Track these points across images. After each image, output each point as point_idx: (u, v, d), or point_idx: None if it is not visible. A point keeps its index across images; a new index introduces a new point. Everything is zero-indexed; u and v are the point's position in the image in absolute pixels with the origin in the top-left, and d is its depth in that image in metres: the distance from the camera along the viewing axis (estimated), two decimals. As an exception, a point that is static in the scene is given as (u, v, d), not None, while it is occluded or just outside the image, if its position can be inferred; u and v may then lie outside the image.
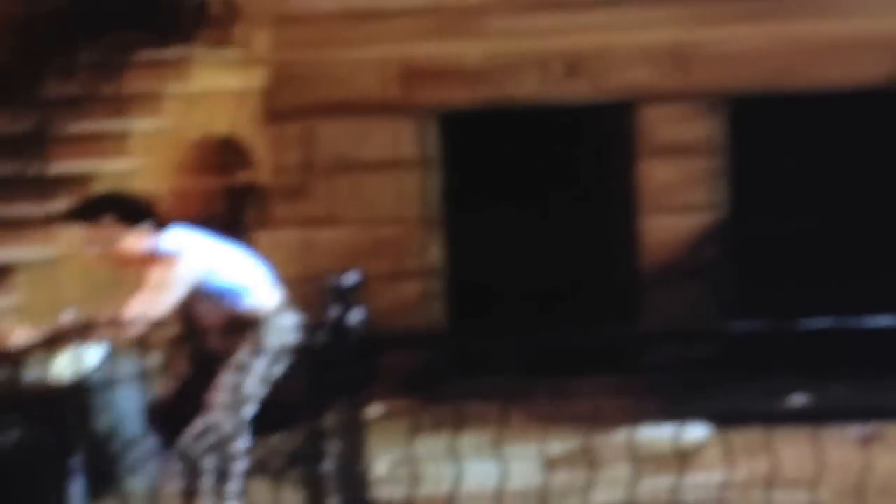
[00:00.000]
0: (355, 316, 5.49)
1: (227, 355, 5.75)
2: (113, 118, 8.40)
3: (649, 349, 9.18)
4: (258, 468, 6.26)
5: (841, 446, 5.70)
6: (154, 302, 5.54)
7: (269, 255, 10.10)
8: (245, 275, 6.08)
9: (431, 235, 10.04)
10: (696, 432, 7.39)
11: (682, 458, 6.76)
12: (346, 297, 5.46)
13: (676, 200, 9.82)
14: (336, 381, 4.91)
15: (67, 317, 5.57)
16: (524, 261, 9.99)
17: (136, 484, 7.00)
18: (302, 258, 9.97)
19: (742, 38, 9.58)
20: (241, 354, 5.74)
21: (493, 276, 9.97)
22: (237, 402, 5.63)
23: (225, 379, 5.70)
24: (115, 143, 8.17)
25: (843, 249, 9.73)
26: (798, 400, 8.48)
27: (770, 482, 5.53)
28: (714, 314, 9.65)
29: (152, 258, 5.70)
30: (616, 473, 6.17)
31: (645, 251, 9.88)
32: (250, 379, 5.61)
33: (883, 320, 5.84)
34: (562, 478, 6.32)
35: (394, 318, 9.87)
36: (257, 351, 5.69)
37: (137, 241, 5.78)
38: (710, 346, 8.65)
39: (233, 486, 5.57)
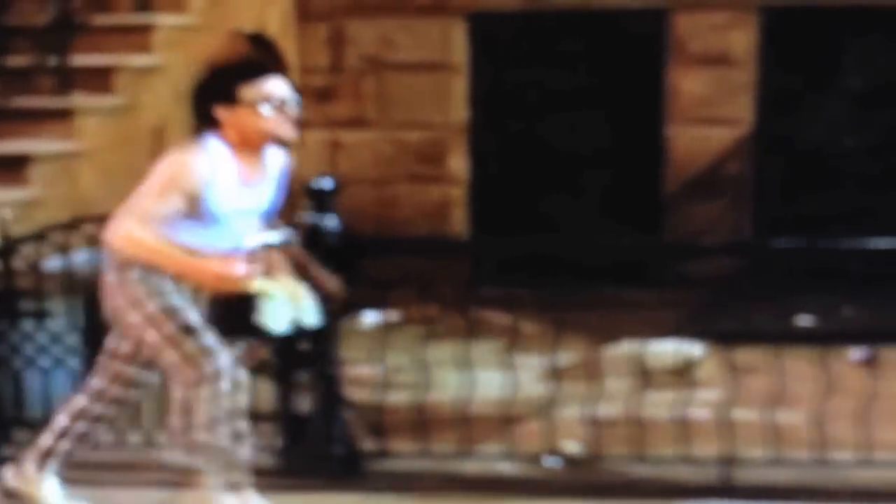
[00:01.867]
0: (330, 220, 5.49)
1: None
2: (137, 12, 8.35)
3: (670, 263, 9.15)
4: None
5: (840, 367, 5.68)
6: None
7: (296, 156, 10.16)
8: None
9: (459, 142, 9.98)
10: (695, 350, 7.36)
11: (680, 374, 6.80)
12: (322, 201, 5.46)
13: (707, 112, 9.70)
14: (308, 285, 4.90)
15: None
16: (550, 170, 9.92)
17: None
18: (329, 159, 9.98)
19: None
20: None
21: (517, 185, 9.92)
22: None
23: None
24: (138, 37, 8.12)
25: (875, 170, 9.60)
26: (805, 320, 8.42)
27: (768, 400, 5.54)
28: (738, 229, 9.58)
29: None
30: (616, 387, 6.19)
31: (672, 163, 9.78)
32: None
33: None
34: (563, 389, 6.34)
35: (417, 223, 9.90)
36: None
37: None
38: (732, 262, 8.62)
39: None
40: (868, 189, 9.58)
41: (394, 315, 9.08)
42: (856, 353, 7.63)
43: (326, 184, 5.57)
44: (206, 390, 4.66)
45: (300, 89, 9.75)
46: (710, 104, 9.68)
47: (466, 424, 5.71)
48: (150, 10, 8.35)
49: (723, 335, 7.39)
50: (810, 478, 5.35)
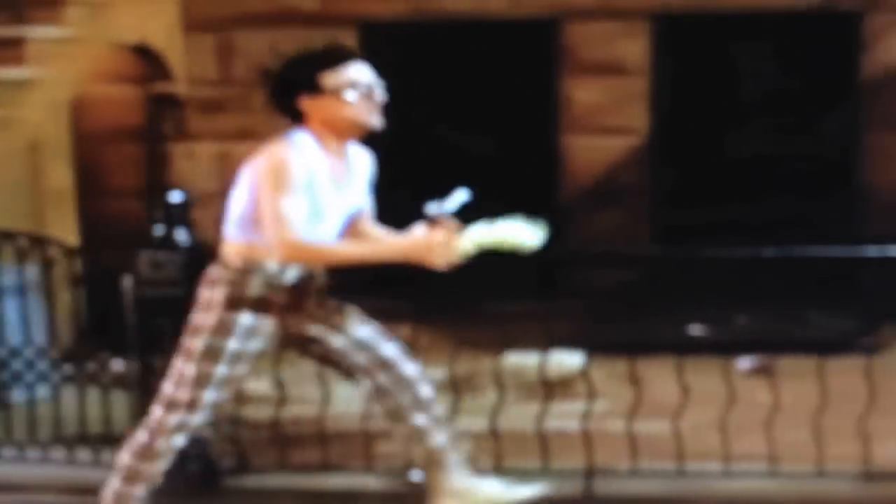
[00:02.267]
0: (180, 233, 5.39)
1: None
2: (9, 25, 8.17)
3: (567, 273, 9.09)
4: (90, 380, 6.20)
5: (727, 377, 5.61)
6: None
7: (185, 168, 10.07)
8: None
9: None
10: (573, 360, 7.28)
11: (555, 386, 6.70)
12: (173, 214, 5.35)
13: (601, 121, 9.65)
14: (160, 299, 4.78)
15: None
16: (446, 180, 9.80)
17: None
18: (219, 172, 9.83)
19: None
20: None
21: (409, 194, 9.79)
22: None
23: None
24: (11, 50, 7.94)
25: (770, 178, 9.60)
26: (697, 330, 8.38)
27: (648, 410, 5.47)
28: (635, 238, 9.54)
29: None
30: (490, 399, 6.10)
31: (567, 172, 9.73)
32: None
33: (797, 250, 5.79)
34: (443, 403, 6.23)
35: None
36: None
37: None
38: (630, 271, 8.56)
39: None
40: (764, 197, 9.57)
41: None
42: (744, 362, 7.59)
43: (177, 197, 5.47)
44: (157, 440, 4.53)
45: (187, 101, 9.79)
46: (604, 113, 9.64)
47: (328, 440, 5.61)
48: (24, 23, 8.17)
49: (612, 345, 7.33)
50: (672, 488, 5.27)
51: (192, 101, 9.72)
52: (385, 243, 4.50)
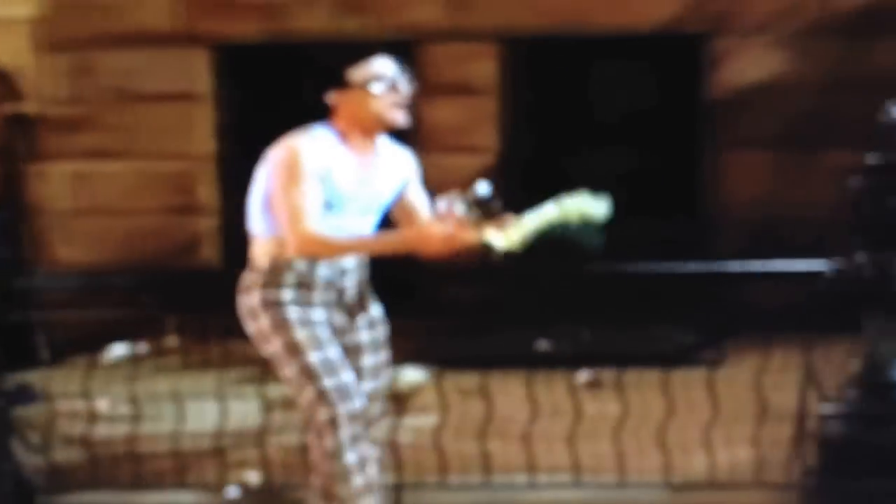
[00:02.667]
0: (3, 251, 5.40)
1: None
2: None
3: (420, 289, 9.18)
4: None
5: (567, 390, 5.72)
6: None
7: (39, 188, 10.04)
8: None
9: (208, 172, 9.90)
10: (415, 375, 7.37)
11: (400, 401, 6.80)
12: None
13: (455, 140, 9.76)
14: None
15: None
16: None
17: None
18: (75, 192, 9.83)
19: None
20: None
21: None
22: None
23: None
24: None
25: (623, 196, 9.73)
26: (543, 345, 8.51)
27: (483, 426, 5.54)
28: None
29: None
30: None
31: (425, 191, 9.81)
32: None
33: (632, 267, 5.90)
34: (279, 419, 6.28)
35: (169, 254, 9.78)
36: None
37: None
38: (485, 287, 8.67)
39: None
40: (617, 214, 9.71)
41: (143, 347, 9.00)
42: (582, 375, 7.74)
43: (-1, 216, 5.47)
44: (328, 440, 4.39)
45: (40, 121, 9.75)
46: (456, 133, 9.76)
47: (143, 458, 5.64)
48: None
49: (455, 360, 7.43)
50: (478, 500, 5.36)
51: (46, 120, 9.70)
52: (388, 235, 4.44)
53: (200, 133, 9.86)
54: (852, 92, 8.95)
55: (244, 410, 6.03)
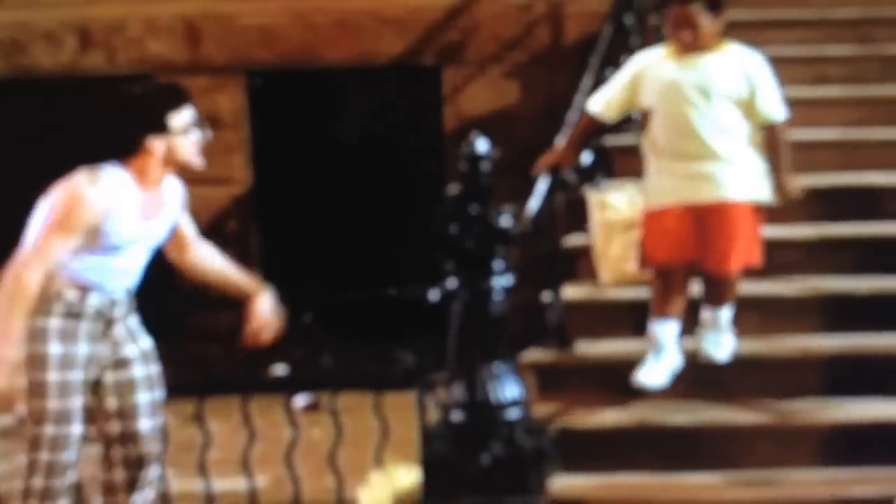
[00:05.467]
0: None
1: None
2: None
3: (180, 317, 9.31)
4: None
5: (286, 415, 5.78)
6: None
7: None
8: None
9: None
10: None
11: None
12: None
13: (202, 172, 9.89)
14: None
15: None
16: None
17: None
18: None
19: (256, 13, 9.72)
20: None
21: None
22: None
23: None
24: None
25: (363, 224, 9.99)
26: (280, 370, 8.67)
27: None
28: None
29: None
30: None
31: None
32: None
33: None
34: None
35: None
36: None
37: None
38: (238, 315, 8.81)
39: None
40: (361, 243, 9.96)
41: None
42: (299, 400, 7.90)
43: None
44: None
45: None
46: (207, 164, 9.87)
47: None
48: None
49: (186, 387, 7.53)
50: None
51: None
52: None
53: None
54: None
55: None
